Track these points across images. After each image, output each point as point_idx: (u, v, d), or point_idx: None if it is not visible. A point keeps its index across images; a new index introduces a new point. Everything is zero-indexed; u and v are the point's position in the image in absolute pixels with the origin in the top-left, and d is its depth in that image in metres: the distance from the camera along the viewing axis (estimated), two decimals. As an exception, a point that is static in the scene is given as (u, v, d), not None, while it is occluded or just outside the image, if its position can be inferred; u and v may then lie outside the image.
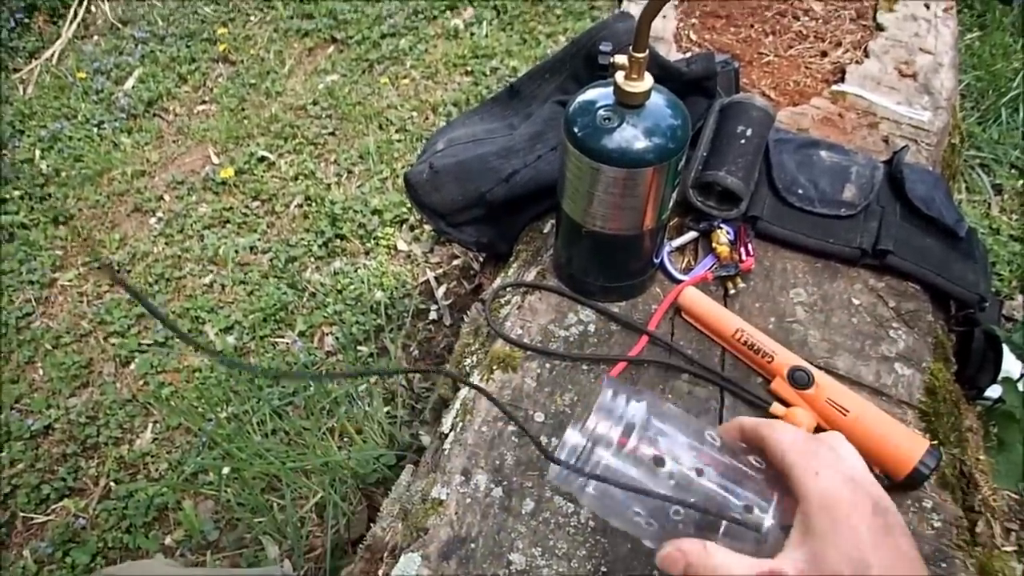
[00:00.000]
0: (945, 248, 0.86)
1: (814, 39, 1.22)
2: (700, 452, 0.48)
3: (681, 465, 0.47)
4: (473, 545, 0.64)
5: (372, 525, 0.75)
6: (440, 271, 1.81)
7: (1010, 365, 0.93)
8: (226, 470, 1.40)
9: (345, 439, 1.44)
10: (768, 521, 0.45)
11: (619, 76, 0.65)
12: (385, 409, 1.46)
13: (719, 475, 0.46)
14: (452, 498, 0.67)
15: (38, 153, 2.22)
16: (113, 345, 1.71)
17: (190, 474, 1.46)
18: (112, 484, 1.48)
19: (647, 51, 0.62)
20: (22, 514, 1.45)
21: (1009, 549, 0.64)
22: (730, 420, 0.50)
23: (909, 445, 0.65)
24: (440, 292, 1.75)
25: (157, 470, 1.49)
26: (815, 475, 0.42)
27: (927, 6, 1.29)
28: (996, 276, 1.66)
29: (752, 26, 1.25)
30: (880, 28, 1.23)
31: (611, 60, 0.65)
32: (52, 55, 2.62)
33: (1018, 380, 0.92)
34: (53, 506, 1.46)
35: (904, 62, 1.16)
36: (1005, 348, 0.90)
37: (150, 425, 1.57)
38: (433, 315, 1.71)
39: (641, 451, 0.47)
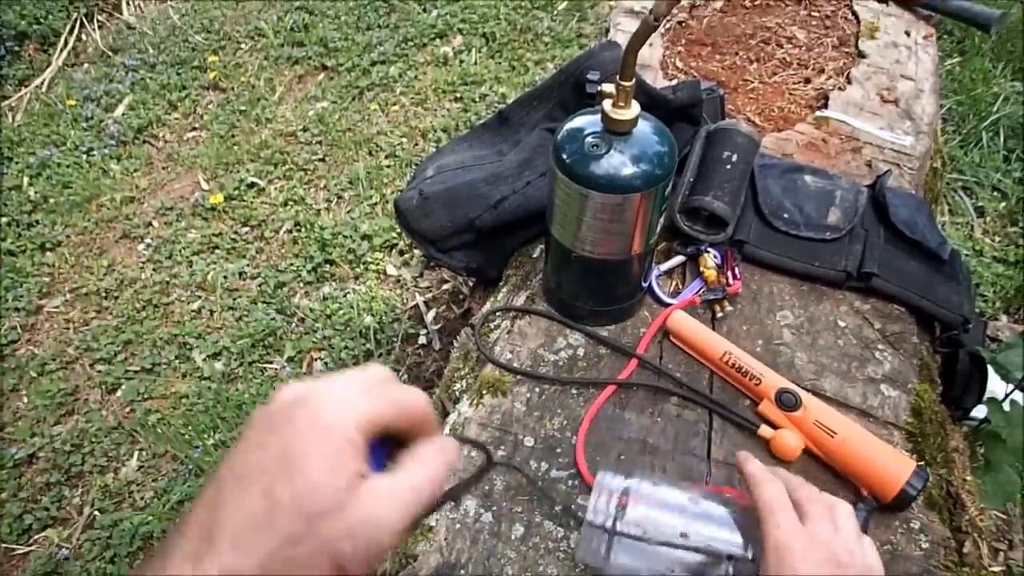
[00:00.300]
0: (929, 271, 0.87)
1: (798, 66, 1.24)
2: (686, 517, 0.53)
3: (667, 530, 0.52)
4: (463, 572, 0.63)
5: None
6: (429, 296, 1.81)
7: (995, 385, 0.93)
8: (213, 498, 1.39)
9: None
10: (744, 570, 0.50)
11: (606, 104, 0.66)
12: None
13: (701, 537, 0.52)
14: (441, 524, 0.67)
15: (26, 180, 2.21)
16: (99, 372, 1.70)
17: (176, 502, 1.44)
18: (96, 513, 1.46)
19: (634, 79, 0.63)
20: (4, 545, 1.42)
21: (996, 569, 0.65)
22: (744, 457, 0.55)
23: (896, 466, 0.66)
24: (430, 317, 1.75)
25: (142, 498, 1.48)
26: (777, 526, 0.48)
27: (908, 33, 1.32)
28: (980, 297, 1.68)
29: (737, 54, 1.27)
30: (862, 55, 1.25)
31: (599, 88, 0.66)
32: (42, 83, 2.63)
33: (1003, 400, 0.93)
34: (36, 536, 1.44)
35: (886, 88, 1.18)
36: (990, 369, 0.91)
37: (136, 453, 1.56)
38: (423, 340, 1.71)
39: (632, 519, 0.53)
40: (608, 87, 0.65)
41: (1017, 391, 0.96)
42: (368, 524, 0.33)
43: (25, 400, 1.67)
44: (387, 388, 0.37)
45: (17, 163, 2.28)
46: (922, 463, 0.70)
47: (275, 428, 0.34)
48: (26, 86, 2.62)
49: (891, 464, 0.66)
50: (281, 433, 0.34)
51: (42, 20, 2.78)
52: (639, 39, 0.61)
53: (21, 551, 1.42)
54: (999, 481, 0.88)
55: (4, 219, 2.08)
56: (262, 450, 0.34)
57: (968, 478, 0.75)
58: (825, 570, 0.46)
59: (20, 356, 1.75)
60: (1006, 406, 0.92)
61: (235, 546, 0.32)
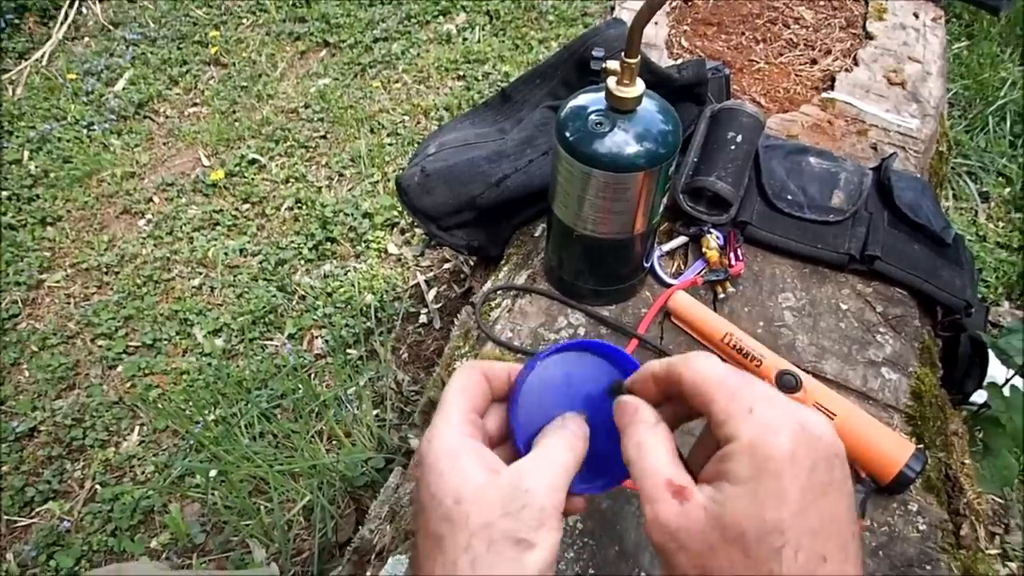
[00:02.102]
0: (932, 254, 0.87)
1: (804, 47, 1.23)
2: None
3: None
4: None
5: (360, 528, 0.75)
6: (431, 274, 1.81)
7: (995, 370, 0.94)
8: (213, 473, 1.39)
9: (333, 442, 1.44)
10: None
11: (611, 81, 0.65)
12: (374, 412, 1.45)
13: None
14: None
15: (27, 154, 2.21)
16: (100, 347, 1.70)
17: (177, 477, 1.45)
18: (98, 487, 1.46)
19: (639, 57, 0.63)
20: (5, 517, 1.43)
21: (993, 552, 0.65)
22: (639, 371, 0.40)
23: (895, 449, 0.66)
24: (430, 295, 1.75)
25: (143, 473, 1.48)
26: (748, 411, 0.33)
27: (916, 15, 1.30)
28: (982, 283, 1.67)
29: (743, 33, 1.26)
30: (869, 37, 1.24)
31: (603, 65, 0.66)
32: (42, 56, 2.61)
33: (1003, 385, 0.93)
34: (37, 509, 1.45)
35: (893, 70, 1.17)
36: (990, 354, 0.91)
37: (137, 427, 1.56)
38: (423, 318, 1.71)
39: None
40: (613, 64, 0.65)
41: (1017, 376, 0.96)
42: (518, 494, 0.36)
43: (26, 374, 1.67)
44: (450, 394, 0.41)
45: (17, 137, 2.26)
46: (921, 446, 0.70)
47: (413, 500, 0.42)
48: (26, 59, 2.60)
49: (890, 446, 0.66)
50: (416, 496, 0.39)
51: (42, -8, 2.75)
52: (645, 15, 0.60)
53: (23, 523, 1.43)
54: (997, 466, 0.88)
55: (4, 193, 2.07)
56: (416, 512, 0.39)
57: (967, 462, 0.75)
58: (813, 473, 0.33)
59: (21, 330, 1.75)
60: (1006, 391, 0.92)
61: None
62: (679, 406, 0.39)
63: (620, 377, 0.42)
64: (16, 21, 2.71)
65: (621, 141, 0.66)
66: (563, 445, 0.39)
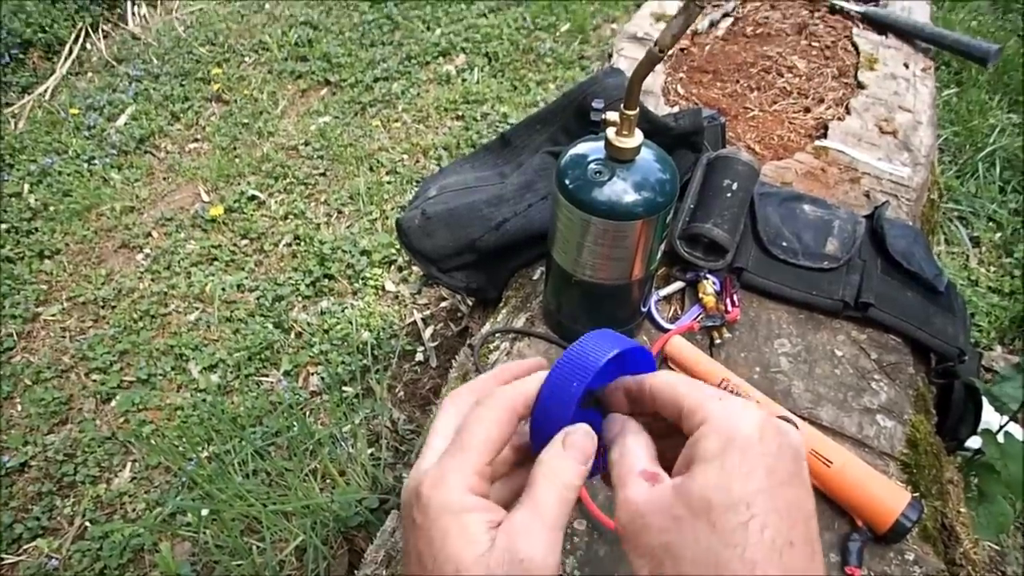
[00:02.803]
0: (925, 302, 0.88)
1: (798, 95, 1.26)
2: None
3: None
4: None
5: (356, 572, 0.74)
6: (427, 312, 1.81)
7: (989, 417, 0.94)
8: (205, 511, 1.38)
9: (327, 481, 1.43)
10: None
11: (610, 132, 0.67)
12: (369, 451, 1.44)
13: None
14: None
15: (27, 187, 2.22)
16: (94, 381, 1.70)
17: (168, 515, 1.44)
18: (87, 524, 1.45)
19: (638, 109, 0.64)
20: (-6, 554, 1.42)
21: (990, 603, 0.65)
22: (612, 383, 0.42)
23: (891, 497, 0.66)
24: (427, 334, 1.75)
25: (134, 510, 1.47)
26: (717, 399, 0.36)
27: (906, 65, 1.33)
28: (975, 327, 1.69)
29: (738, 82, 1.29)
30: (861, 86, 1.27)
31: (603, 116, 0.67)
32: (45, 91, 2.64)
33: (997, 432, 0.93)
34: (25, 546, 1.43)
35: (884, 119, 1.20)
36: (984, 400, 0.92)
37: (129, 464, 1.55)
38: (420, 356, 1.71)
39: None
40: (612, 115, 0.66)
41: (1011, 423, 0.96)
42: (515, 565, 0.34)
43: (19, 408, 1.66)
44: (473, 441, 0.38)
45: (18, 170, 2.28)
46: (917, 494, 0.70)
47: (407, 537, 0.38)
48: (29, 94, 2.63)
49: (886, 495, 0.67)
50: (411, 539, 0.37)
51: (47, 29, 2.80)
52: (644, 69, 0.62)
53: (10, 560, 1.41)
54: (993, 512, 0.88)
55: (3, 226, 2.08)
56: (411, 560, 0.37)
57: (962, 510, 0.75)
58: (780, 458, 0.33)
59: (15, 364, 1.74)
60: (1000, 438, 0.92)
61: None
62: (646, 420, 0.40)
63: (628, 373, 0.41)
64: (21, 56, 2.74)
65: (620, 190, 0.68)
66: (554, 495, 0.37)
